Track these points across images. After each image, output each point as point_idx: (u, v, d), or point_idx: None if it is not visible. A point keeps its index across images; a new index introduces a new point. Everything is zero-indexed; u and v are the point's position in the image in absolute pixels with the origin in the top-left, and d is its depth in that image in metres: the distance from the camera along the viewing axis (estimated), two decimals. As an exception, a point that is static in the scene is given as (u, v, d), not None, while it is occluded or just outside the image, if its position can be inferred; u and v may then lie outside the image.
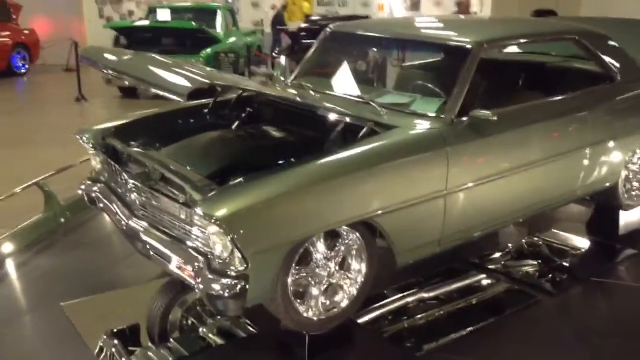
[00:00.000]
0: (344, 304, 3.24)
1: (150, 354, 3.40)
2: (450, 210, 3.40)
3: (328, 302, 3.20)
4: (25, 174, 5.39)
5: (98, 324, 3.55)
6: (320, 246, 3.08)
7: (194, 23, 11.41)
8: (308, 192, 2.90)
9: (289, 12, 20.60)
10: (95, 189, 3.85)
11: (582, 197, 4.33)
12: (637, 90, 4.37)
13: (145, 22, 11.69)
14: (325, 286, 3.17)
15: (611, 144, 4.22)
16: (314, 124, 3.65)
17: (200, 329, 3.56)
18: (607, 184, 4.37)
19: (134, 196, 3.42)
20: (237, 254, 2.74)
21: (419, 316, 3.67)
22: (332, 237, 3.12)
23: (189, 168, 3.21)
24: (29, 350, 3.43)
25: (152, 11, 12.63)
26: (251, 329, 3.50)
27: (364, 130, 3.28)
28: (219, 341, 3.46)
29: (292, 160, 3.22)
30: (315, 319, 3.16)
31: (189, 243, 3.06)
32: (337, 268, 3.18)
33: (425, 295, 3.85)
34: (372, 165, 3.09)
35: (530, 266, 4.26)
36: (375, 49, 4.42)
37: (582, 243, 4.64)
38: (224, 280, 2.78)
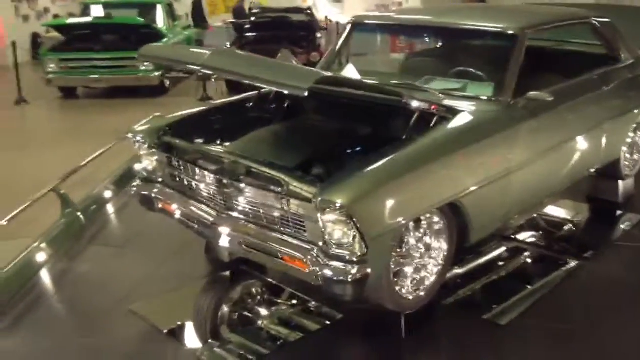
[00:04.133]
0: (430, 281, 3.41)
1: (217, 350, 3.40)
2: (513, 186, 3.64)
3: (417, 281, 3.35)
4: (19, 187, 5.13)
5: (175, 321, 3.57)
6: (412, 228, 3.23)
7: (139, 18, 11.07)
8: (414, 176, 3.05)
9: (212, 5, 20.39)
10: (154, 189, 3.78)
11: (597, 169, 4.69)
12: (636, 70, 4.80)
13: (88, 19, 11.20)
14: (414, 266, 3.32)
15: (620, 118, 4.63)
16: (364, 112, 3.76)
17: (259, 321, 3.60)
18: (615, 156, 4.78)
19: (213, 192, 3.41)
20: (358, 239, 2.83)
21: (461, 291, 3.84)
22: (416, 219, 3.27)
23: (271, 160, 3.25)
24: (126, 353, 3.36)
25: (86, 7, 12.13)
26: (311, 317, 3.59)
27: (436, 115, 3.43)
28: (283, 331, 3.52)
29: (367, 147, 3.33)
30: (411, 297, 3.31)
31: (290, 233, 3.12)
32: (424, 248, 3.33)
33: (460, 271, 4.04)
34: (458, 148, 3.28)
35: (537, 237, 4.51)
36: (412, 38, 4.57)
37: (575, 214, 4.94)
38: (345, 266, 2.87)
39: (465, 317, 3.55)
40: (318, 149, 3.49)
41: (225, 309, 3.75)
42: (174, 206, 3.68)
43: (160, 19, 11.99)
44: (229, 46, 11.11)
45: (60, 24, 11.96)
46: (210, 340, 3.47)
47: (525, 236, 4.50)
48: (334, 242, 2.90)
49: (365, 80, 3.21)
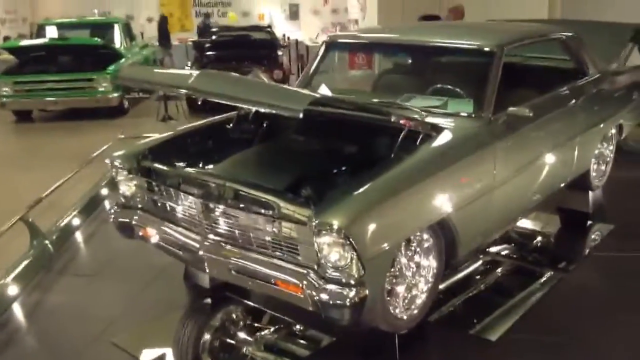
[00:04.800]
0: (422, 299, 3.39)
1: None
2: (496, 201, 3.67)
3: (408, 300, 3.33)
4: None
5: (159, 351, 3.47)
6: (403, 247, 3.21)
7: (96, 39, 10.87)
8: (407, 194, 3.03)
9: (169, 24, 20.26)
10: (134, 216, 3.66)
11: (569, 182, 4.77)
12: (603, 84, 4.93)
13: (43, 40, 10.92)
14: (406, 285, 3.30)
15: (590, 131, 4.74)
16: (348, 131, 3.74)
17: (244, 348, 3.51)
18: (586, 167, 4.89)
19: (199, 217, 3.32)
20: (356, 261, 2.79)
21: (444, 307, 3.83)
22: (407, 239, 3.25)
23: (259, 183, 3.19)
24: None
25: (40, 28, 11.84)
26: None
27: (422, 134, 3.43)
28: (269, 357, 3.45)
29: (354, 167, 3.31)
30: (404, 317, 3.28)
31: (282, 257, 3.06)
32: (415, 267, 3.32)
33: (441, 287, 4.05)
34: (446, 165, 3.29)
35: (510, 250, 4.56)
36: (388, 56, 4.58)
37: (546, 226, 5.04)
38: (342, 289, 2.82)
39: (453, 333, 3.54)
40: (305, 170, 3.45)
41: (207, 336, 3.63)
42: (156, 233, 3.57)
43: (118, 39, 11.78)
44: (189, 65, 11.03)
45: (13, 46, 11.63)
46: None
47: (499, 249, 4.52)
48: (330, 264, 2.85)
49: (356, 101, 3.19)
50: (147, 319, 3.80)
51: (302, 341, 3.56)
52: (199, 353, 3.51)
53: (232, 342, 3.56)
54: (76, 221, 5.28)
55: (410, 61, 4.58)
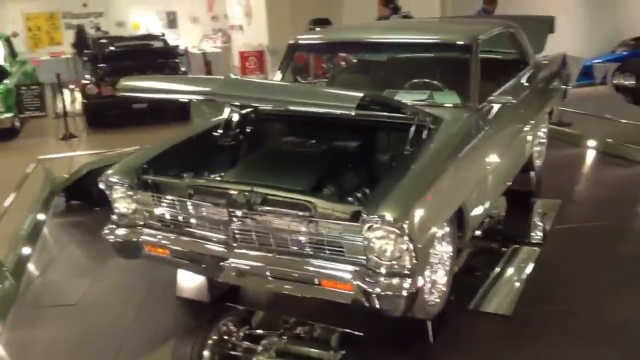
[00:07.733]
0: (443, 283, 3.49)
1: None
2: (489, 185, 3.88)
3: (432, 286, 3.42)
4: None
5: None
6: None
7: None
8: (439, 184, 3.15)
9: (35, 38, 19.11)
10: (141, 233, 3.45)
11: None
12: (539, 73, 5.31)
13: None
14: (431, 271, 3.38)
15: (538, 115, 5.13)
16: (341, 129, 3.79)
17: (254, 358, 3.44)
18: (532, 149, 5.26)
19: (223, 226, 3.20)
20: (410, 251, 2.85)
21: None
22: None
23: (281, 185, 3.16)
24: None
25: None
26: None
27: (427, 126, 3.54)
28: None
29: (367, 164, 3.37)
30: (434, 302, 3.37)
31: (324, 255, 3.04)
32: (438, 254, 3.42)
33: None
34: (458, 153, 3.45)
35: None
36: (361, 54, 4.63)
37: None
38: (397, 280, 2.86)
39: (462, 314, 3.66)
40: (317, 170, 3.44)
41: (208, 353, 3.49)
42: (168, 248, 3.40)
43: (1, 56, 10.89)
44: (88, 77, 10.45)
45: None
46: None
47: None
48: (382, 257, 2.88)
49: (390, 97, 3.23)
50: (156, 343, 3.59)
51: (309, 343, 3.49)
52: None
53: (237, 354, 3.45)
54: (26, 250, 4.85)
55: (385, 58, 4.68)
